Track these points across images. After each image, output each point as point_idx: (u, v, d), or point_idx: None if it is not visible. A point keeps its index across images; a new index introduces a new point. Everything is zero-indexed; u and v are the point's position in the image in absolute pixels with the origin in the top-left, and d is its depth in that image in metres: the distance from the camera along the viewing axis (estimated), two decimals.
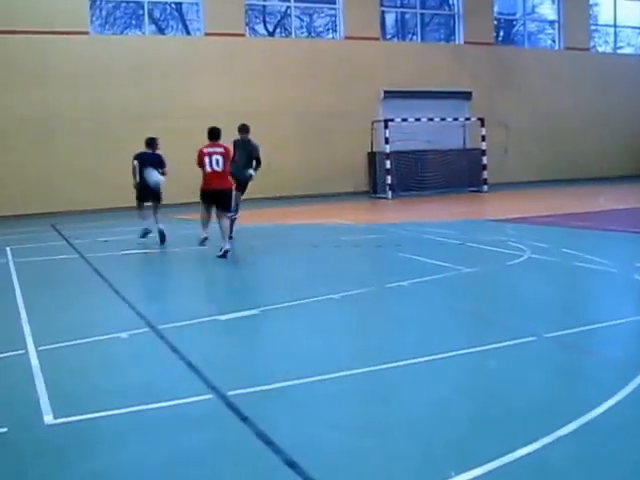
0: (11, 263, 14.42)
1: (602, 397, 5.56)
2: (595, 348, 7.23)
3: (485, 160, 30.09)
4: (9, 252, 15.84)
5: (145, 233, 16.71)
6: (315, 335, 8.16)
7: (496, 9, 35.15)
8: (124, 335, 8.15)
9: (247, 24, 30.14)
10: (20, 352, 7.65)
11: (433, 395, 5.95)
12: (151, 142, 17.54)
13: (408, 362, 6.75)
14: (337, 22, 31.28)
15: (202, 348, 7.68)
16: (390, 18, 34.10)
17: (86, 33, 26.90)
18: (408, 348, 7.34)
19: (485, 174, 30.15)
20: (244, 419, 5.44)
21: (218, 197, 14.20)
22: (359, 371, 6.58)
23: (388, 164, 28.13)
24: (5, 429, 5.52)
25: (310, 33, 32.09)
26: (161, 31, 29.63)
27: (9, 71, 25.52)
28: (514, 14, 36.17)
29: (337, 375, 6.44)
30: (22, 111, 25.56)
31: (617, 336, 7.87)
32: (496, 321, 8.52)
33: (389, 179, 28.23)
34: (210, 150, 14.45)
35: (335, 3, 31.09)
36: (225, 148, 14.67)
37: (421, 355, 6.91)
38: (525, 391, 5.99)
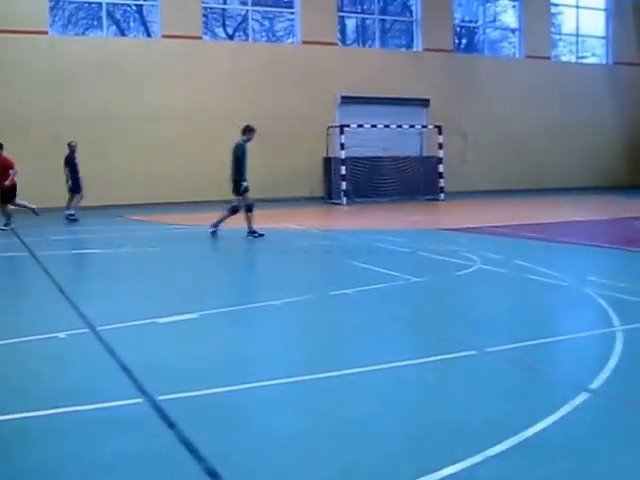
0: None
1: (538, 416, 5.42)
2: (538, 364, 7.07)
3: (442, 168, 30.20)
4: None
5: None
6: (252, 342, 8.13)
7: (457, 16, 35.31)
8: (62, 335, 8.05)
9: (206, 26, 30.07)
10: None
11: (363, 408, 5.85)
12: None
13: (342, 372, 6.69)
14: (295, 27, 31.26)
15: (138, 351, 7.59)
16: (351, 23, 34.16)
17: (45, 33, 26.66)
18: (344, 358, 7.32)
19: (442, 182, 30.25)
20: (171, 425, 5.38)
21: None
22: (292, 380, 6.53)
23: (343, 170, 28.15)
24: None
25: (270, 37, 32.05)
26: (122, 32, 29.47)
27: None
28: (475, 22, 36.32)
29: (270, 383, 6.38)
30: None
31: (562, 352, 7.72)
32: (438, 333, 8.47)
33: (344, 185, 28.24)
34: None
35: (294, 7, 31.09)
36: None
37: (356, 365, 6.85)
38: (459, 407, 5.89)
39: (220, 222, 17.43)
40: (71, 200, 22.40)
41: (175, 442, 5.09)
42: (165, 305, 9.91)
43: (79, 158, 22.52)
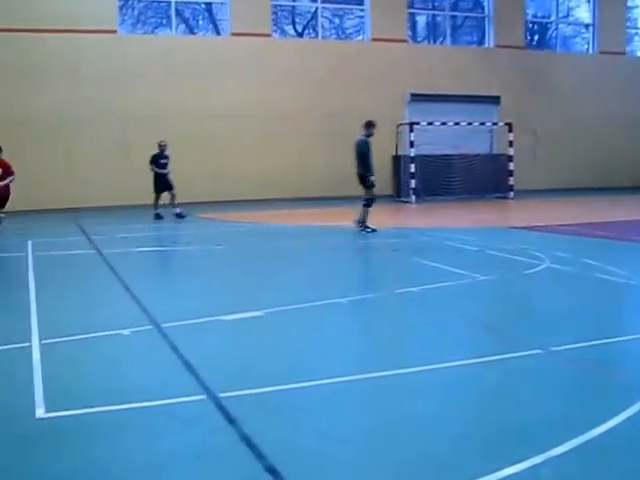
0: (30, 257, 14.53)
1: (602, 418, 5.31)
2: (604, 364, 6.95)
3: (512, 166, 29.81)
4: (30, 246, 15.96)
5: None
6: (316, 340, 8.11)
7: (530, 12, 34.86)
8: (126, 332, 8.15)
9: (275, 24, 30.15)
10: (24, 345, 7.69)
11: (425, 407, 5.82)
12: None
13: (405, 371, 6.65)
14: (365, 24, 31.17)
15: (202, 348, 7.63)
16: (421, 20, 33.98)
17: (114, 32, 27.01)
18: (406, 356, 7.29)
19: (511, 180, 29.87)
20: (231, 422, 5.39)
21: None
22: (355, 378, 6.50)
23: (413, 168, 27.96)
24: None
25: (339, 35, 32.01)
26: (191, 31, 29.71)
27: (38, 69, 25.70)
28: (548, 17, 35.82)
29: (332, 381, 6.37)
30: (50, 108, 25.78)
31: (629, 353, 7.53)
32: (503, 331, 8.39)
33: (413, 183, 28.06)
34: None
35: (363, 4, 31.01)
36: None
37: (419, 364, 6.81)
38: (522, 407, 5.80)
39: (365, 219, 17.84)
40: (173, 199, 22.22)
41: (236, 439, 5.11)
42: (230, 302, 9.94)
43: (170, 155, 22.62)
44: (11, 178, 18.24)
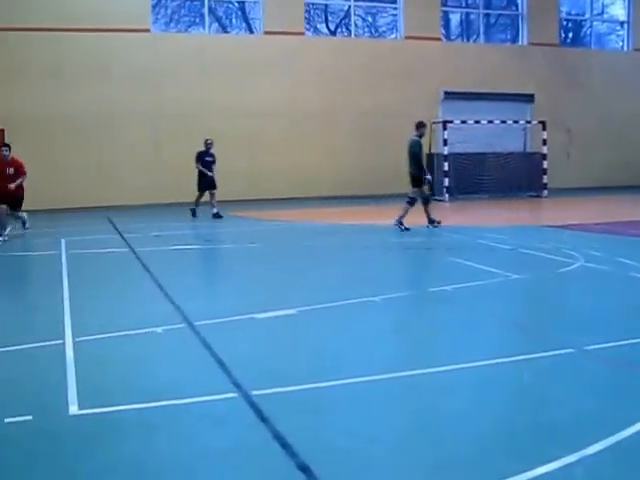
0: (63, 255, 14.62)
1: (635, 416, 5.29)
2: (636, 364, 6.86)
3: (546, 164, 29.62)
4: (63, 244, 16.07)
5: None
6: (349, 338, 8.09)
7: (564, 9, 34.59)
8: (159, 330, 8.19)
9: (308, 23, 30.15)
10: (57, 342, 7.76)
11: (456, 405, 5.81)
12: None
13: (436, 369, 6.64)
14: (398, 22, 31.09)
15: (234, 346, 7.64)
16: (455, 18, 33.84)
17: (147, 31, 27.15)
18: (438, 355, 7.28)
19: (545, 179, 29.68)
20: (264, 420, 5.40)
21: None
22: (388, 376, 6.48)
23: (446, 166, 27.83)
24: (30, 417, 5.59)
25: (372, 33, 31.95)
26: (224, 29, 29.78)
27: (71, 68, 25.91)
28: (582, 15, 35.54)
29: (365, 380, 6.36)
30: (83, 107, 25.99)
31: None
32: (536, 330, 8.34)
33: (446, 181, 27.95)
34: None
35: (396, 3, 30.93)
36: None
37: (451, 363, 6.79)
38: (554, 406, 5.77)
39: (403, 216, 17.99)
40: (212, 198, 22.09)
41: (268, 437, 5.11)
42: (263, 301, 9.95)
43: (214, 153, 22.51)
44: (23, 178, 18.00)
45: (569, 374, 6.59)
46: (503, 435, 5.23)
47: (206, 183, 22.15)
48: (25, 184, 18.35)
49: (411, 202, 18.06)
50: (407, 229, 17.58)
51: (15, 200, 17.95)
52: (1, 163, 17.81)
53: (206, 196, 22.08)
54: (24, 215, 18.58)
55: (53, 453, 5.02)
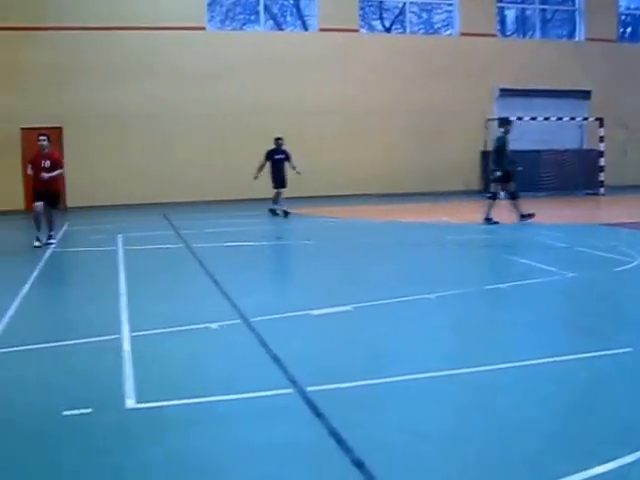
0: (120, 251, 14.81)
1: None
2: None
3: (603, 162, 29.25)
4: (120, 240, 16.25)
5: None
6: (403, 335, 8.10)
7: (622, 4, 34.12)
8: (214, 326, 8.24)
9: (363, 20, 30.11)
10: (114, 337, 7.88)
11: (510, 403, 5.78)
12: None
13: (493, 367, 6.59)
14: (453, 18, 30.93)
15: (290, 342, 7.67)
16: (510, 14, 33.57)
17: (203, 29, 27.33)
18: (493, 353, 7.23)
19: (602, 176, 29.31)
20: (319, 416, 5.42)
21: None
22: (443, 374, 6.47)
23: None
24: (89, 410, 5.68)
25: (427, 29, 31.82)
26: (279, 27, 29.86)
27: (127, 67, 26.18)
28: None
29: (420, 377, 6.36)
30: (139, 106, 26.26)
31: None
32: (593, 329, 8.22)
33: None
34: None
35: None
36: None
37: (506, 361, 6.77)
38: (611, 405, 5.71)
39: (517, 209, 18.57)
40: (278, 195, 21.99)
41: (323, 433, 5.13)
42: (319, 297, 9.98)
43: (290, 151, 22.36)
44: (59, 171, 16.49)
45: (626, 373, 6.51)
46: (558, 434, 5.17)
47: (277, 180, 21.87)
48: (60, 180, 17.45)
49: (493, 197, 18.56)
50: (496, 222, 18.07)
51: (51, 196, 16.32)
52: (38, 154, 16.35)
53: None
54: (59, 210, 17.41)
55: (109, 446, 5.10)
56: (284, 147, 22.05)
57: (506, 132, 18.80)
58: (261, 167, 21.84)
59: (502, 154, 18.43)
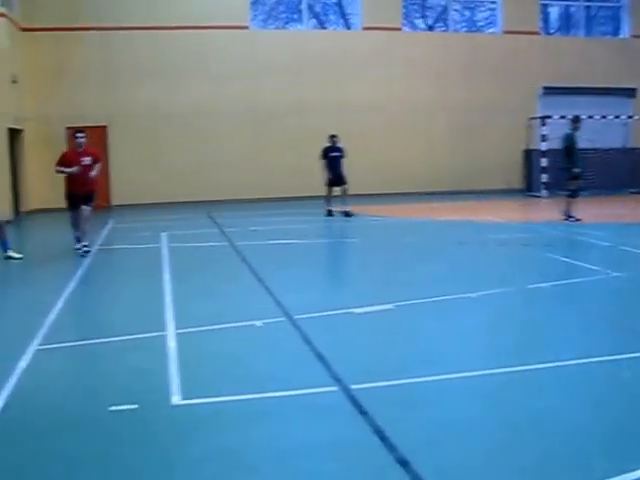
0: (164, 248, 14.93)
1: None
2: None
3: None
4: (164, 237, 16.39)
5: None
6: (446, 333, 8.14)
7: None
8: (258, 323, 8.34)
9: (405, 18, 30.05)
10: (160, 334, 8.01)
11: (554, 402, 5.80)
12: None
13: (537, 366, 6.61)
14: (496, 16, 30.77)
15: (334, 340, 7.74)
16: (554, 11, 33.30)
17: (246, 27, 27.44)
18: (535, 351, 7.23)
19: None
20: (363, 413, 5.47)
21: None
22: (486, 372, 6.51)
23: (544, 162, 27.47)
24: (136, 406, 5.80)
25: (470, 27, 31.68)
26: (321, 25, 29.90)
27: (171, 66, 26.36)
28: None
29: (463, 375, 6.40)
30: (182, 105, 26.41)
31: None
32: (636, 329, 8.20)
33: (544, 177, 27.58)
34: None
35: None
36: None
37: (551, 360, 6.77)
38: None
39: (568, 209, 18.65)
40: (343, 193, 21.25)
41: (368, 431, 5.18)
42: (361, 295, 10.03)
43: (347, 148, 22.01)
44: (99, 165, 15.48)
45: None
46: (602, 434, 5.19)
47: (333, 178, 21.30)
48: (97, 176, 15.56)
49: (573, 194, 18.65)
50: (578, 220, 18.19)
51: (88, 195, 15.22)
52: (75, 153, 15.22)
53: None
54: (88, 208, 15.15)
55: (155, 441, 5.21)
56: (339, 144, 21.61)
57: (575, 129, 19.01)
58: (324, 167, 21.33)
59: (572, 151, 18.62)
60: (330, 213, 21.18)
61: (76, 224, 15.10)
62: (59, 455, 5.02)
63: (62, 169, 15.03)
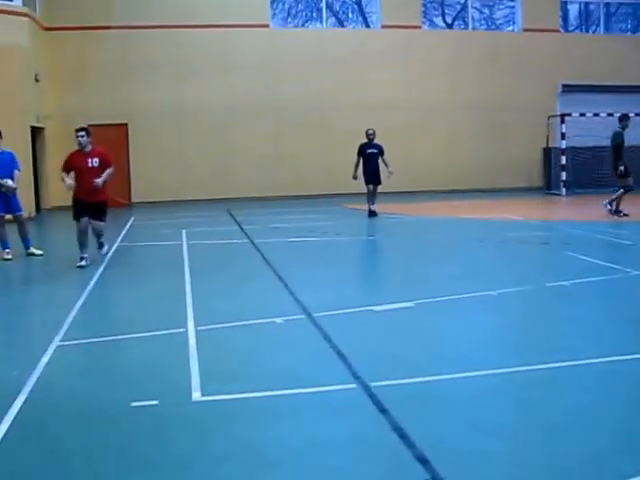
0: (184, 245, 15.01)
1: None
2: None
3: None
4: (184, 235, 16.48)
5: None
6: (467, 331, 8.15)
7: None
8: (279, 320, 8.39)
9: (425, 16, 30.02)
10: (180, 330, 8.07)
11: (574, 401, 5.80)
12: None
13: (557, 365, 6.62)
14: (516, 14, 30.69)
15: (354, 337, 7.79)
16: (573, 9, 33.18)
17: (266, 26, 27.50)
18: (558, 350, 7.20)
19: None
20: (383, 411, 5.50)
21: None
22: (506, 370, 6.52)
23: (564, 160, 27.35)
24: (156, 402, 5.86)
25: (489, 25, 31.63)
26: (341, 24, 29.93)
27: (191, 64, 26.45)
28: None
29: (483, 373, 6.42)
30: (202, 103, 26.54)
31: None
32: None
33: (564, 175, 27.47)
34: None
35: None
36: None
37: (571, 359, 6.77)
38: None
39: (614, 201, 19.38)
40: (372, 192, 20.53)
41: (387, 428, 5.20)
42: (381, 293, 10.09)
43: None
44: (110, 171, 13.17)
45: None
46: (623, 434, 5.17)
47: (369, 176, 20.54)
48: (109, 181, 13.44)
49: (626, 190, 19.14)
50: (626, 215, 18.72)
51: (98, 206, 13.18)
52: (77, 155, 13.10)
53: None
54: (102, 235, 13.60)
55: (176, 437, 5.24)
56: (377, 141, 20.83)
57: (624, 127, 19.26)
58: (357, 165, 20.64)
59: (620, 149, 18.92)
60: (373, 213, 20.32)
61: (81, 239, 13.05)
62: (80, 449, 5.08)
63: (62, 176, 13.11)
